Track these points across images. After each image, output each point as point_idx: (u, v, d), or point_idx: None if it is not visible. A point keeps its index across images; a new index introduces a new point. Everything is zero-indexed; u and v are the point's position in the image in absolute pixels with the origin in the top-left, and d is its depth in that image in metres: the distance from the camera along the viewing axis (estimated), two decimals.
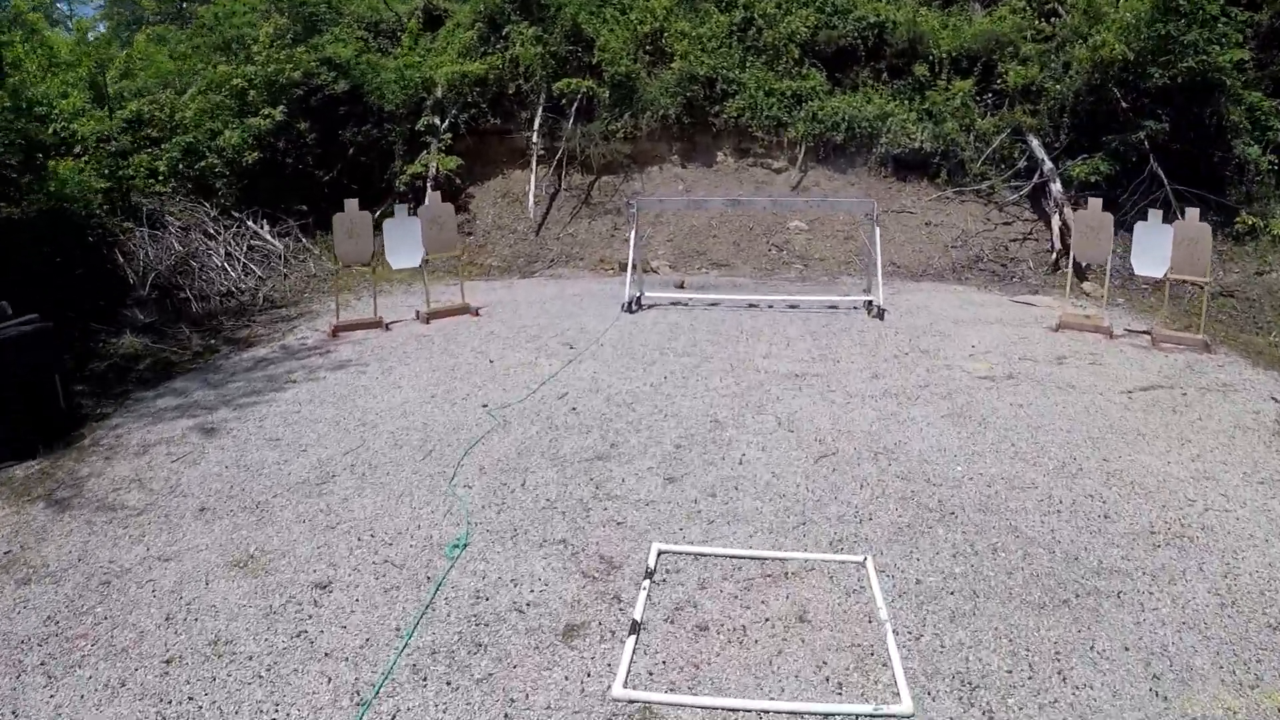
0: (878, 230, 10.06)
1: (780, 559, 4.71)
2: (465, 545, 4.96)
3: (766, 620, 4.17)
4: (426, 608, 4.39)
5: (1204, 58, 11.74)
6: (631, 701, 3.63)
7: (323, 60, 13.27)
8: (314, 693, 3.78)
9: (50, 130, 11.50)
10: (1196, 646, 3.97)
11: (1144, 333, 9.18)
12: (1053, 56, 13.32)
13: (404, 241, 9.81)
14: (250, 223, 12.49)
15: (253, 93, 12.87)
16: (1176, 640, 4.02)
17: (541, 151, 13.99)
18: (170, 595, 4.65)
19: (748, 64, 14.17)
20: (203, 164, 12.43)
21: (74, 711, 3.73)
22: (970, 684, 3.72)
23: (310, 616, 4.40)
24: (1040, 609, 4.28)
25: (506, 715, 3.59)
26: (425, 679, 3.84)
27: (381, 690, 3.77)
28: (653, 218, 13.09)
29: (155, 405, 7.65)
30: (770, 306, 10.23)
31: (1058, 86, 12.92)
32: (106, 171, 11.42)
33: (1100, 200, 9.63)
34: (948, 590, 4.43)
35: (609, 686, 3.72)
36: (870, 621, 4.15)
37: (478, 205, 14.07)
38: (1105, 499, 5.44)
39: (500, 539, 5.02)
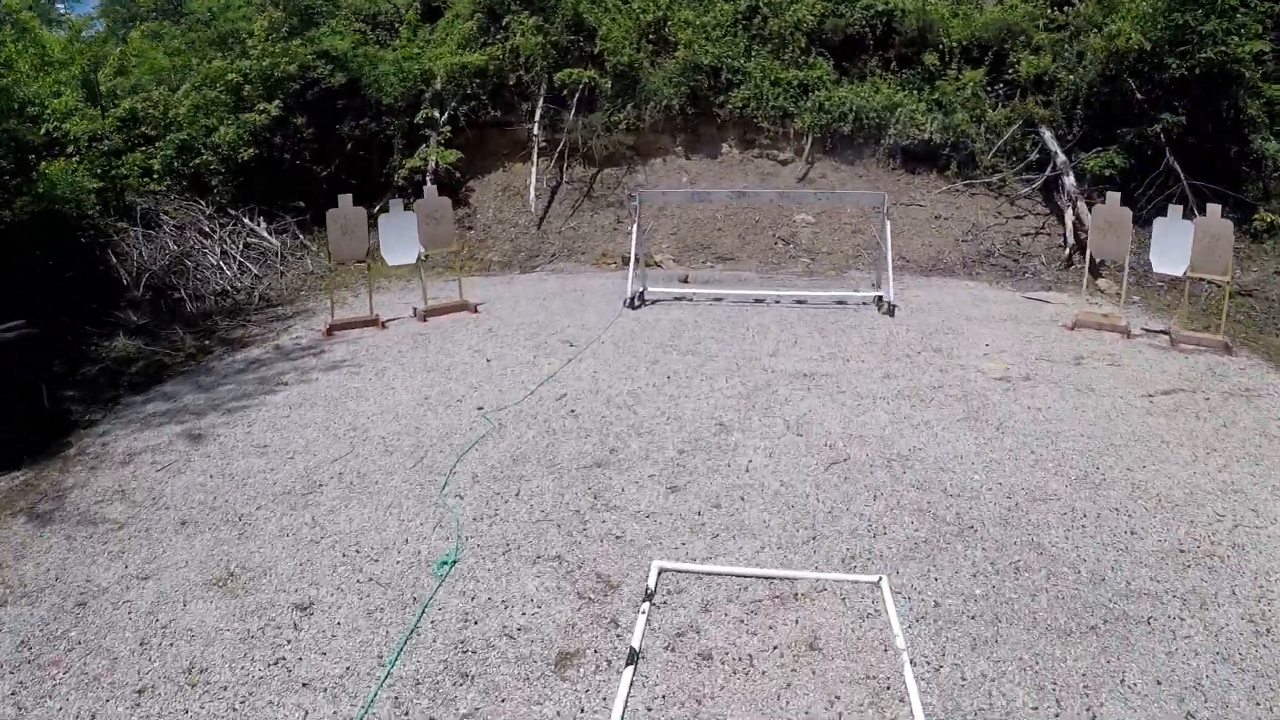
0: (888, 224, 9.71)
1: (789, 578, 4.40)
2: (454, 562, 4.66)
3: (775, 648, 3.86)
4: (411, 632, 4.11)
5: (1222, 49, 11.34)
6: None
7: (319, 53, 12.93)
8: None
9: (42, 130, 11.22)
10: (1231, 680, 3.69)
11: (1162, 332, 8.84)
12: (1066, 46, 12.91)
13: (400, 237, 9.50)
14: (247, 220, 12.19)
15: (248, 88, 12.55)
16: (1210, 673, 3.74)
17: (543, 144, 13.65)
18: (146, 618, 4.40)
19: (753, 53, 13.78)
20: (198, 161, 12.12)
21: None
22: None
23: (289, 642, 4.13)
24: (1066, 636, 3.97)
25: None
26: (407, 713, 3.56)
27: None
28: (656, 210, 12.74)
29: (144, 411, 7.39)
30: (777, 302, 9.89)
31: (1071, 77, 12.51)
32: (99, 171, 11.11)
33: (1119, 195, 9.28)
34: (968, 614, 4.12)
35: None
36: (886, 650, 3.84)
37: (478, 199, 13.74)
38: (1131, 513, 5.13)
39: (491, 555, 4.72)
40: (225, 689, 3.78)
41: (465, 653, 3.93)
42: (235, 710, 3.64)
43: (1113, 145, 12.00)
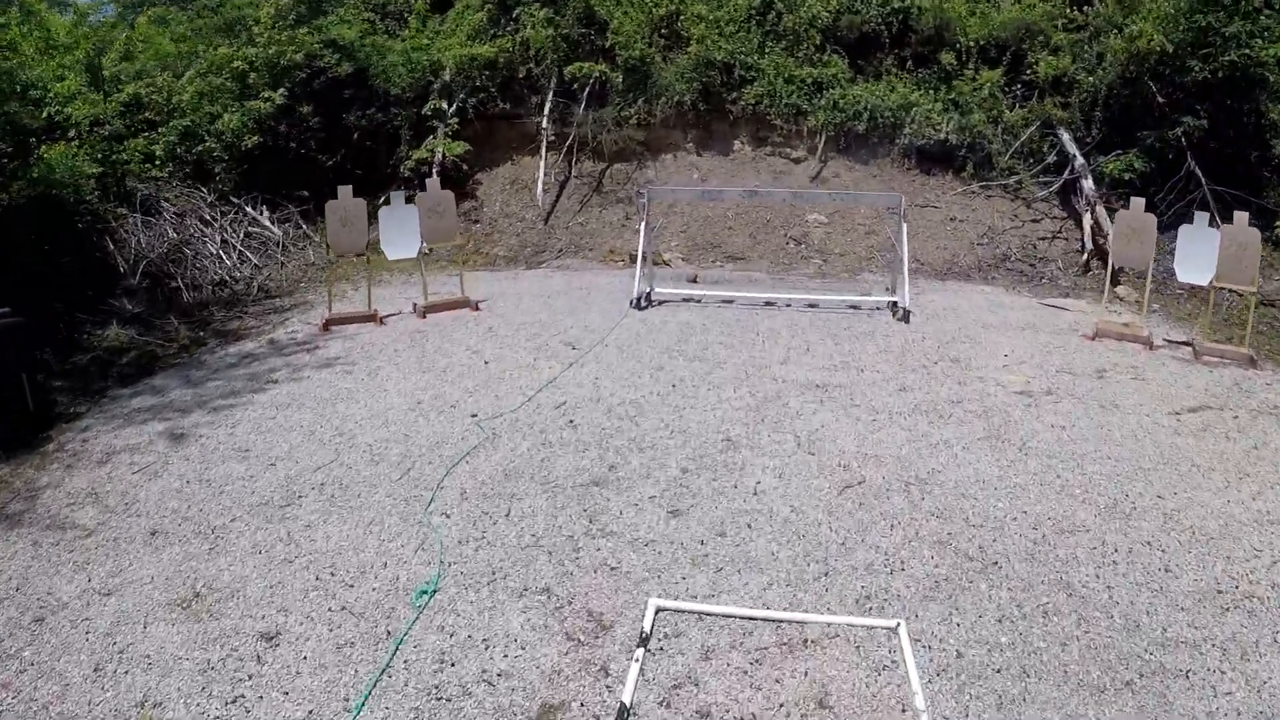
0: (904, 227, 9.17)
1: (799, 621, 3.91)
2: (434, 591, 4.19)
3: (781, 706, 3.39)
4: (382, 673, 3.65)
5: (1246, 52, 10.81)
6: None
7: (326, 42, 12.41)
8: None
9: (44, 114, 10.79)
10: None
11: (1185, 344, 8.32)
12: (1086, 47, 12.36)
13: (401, 231, 9.00)
14: (249, 209, 11.72)
15: (253, 75, 12.05)
16: None
17: (552, 138, 13.10)
18: (104, 639, 3.99)
19: (767, 49, 13.22)
20: (201, 148, 11.64)
21: None
22: None
23: (251, 677, 3.69)
24: (1100, 694, 3.51)
25: None
26: None
27: None
28: (666, 208, 12.20)
29: (129, 405, 6.98)
30: (788, 305, 9.34)
31: (1090, 78, 11.96)
32: (99, 156, 10.67)
33: (1143, 200, 8.75)
34: (993, 667, 3.64)
35: None
36: (904, 711, 3.36)
37: (485, 192, 13.22)
38: (1164, 547, 4.65)
39: (475, 584, 4.24)
40: None
41: (439, 700, 3.47)
42: None
43: (1132, 149, 11.45)
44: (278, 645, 3.88)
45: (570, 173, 13.23)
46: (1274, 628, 3.95)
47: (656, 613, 3.94)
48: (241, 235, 11.27)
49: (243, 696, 3.56)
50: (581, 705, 3.40)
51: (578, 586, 4.18)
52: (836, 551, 4.48)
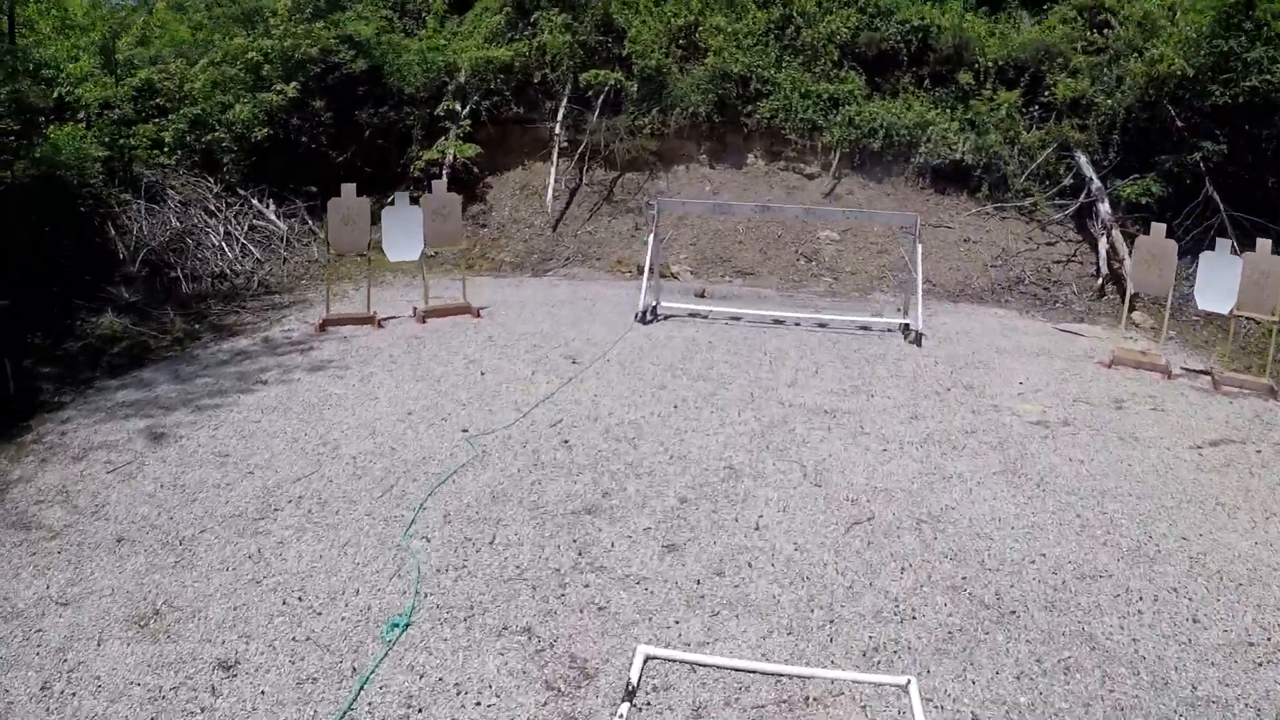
0: (919, 248, 8.74)
1: (801, 676, 3.49)
2: (407, 626, 3.79)
3: None
4: (343, 716, 3.24)
5: (1267, 77, 10.37)
6: None
7: (342, 38, 12.04)
8: None
9: (54, 94, 10.47)
10: None
11: (1204, 373, 7.93)
12: (1105, 70, 11.93)
13: (404, 232, 8.60)
14: (255, 201, 11.35)
15: (267, 67, 11.69)
16: None
17: (564, 144, 12.70)
18: (55, 655, 3.64)
19: (784, 63, 12.81)
20: (210, 137, 11.29)
21: None
22: None
23: (203, 710, 3.34)
24: None
25: None
26: None
27: None
28: (676, 220, 11.78)
29: (114, 398, 6.66)
30: (797, 324, 8.89)
31: (1109, 101, 11.54)
32: (107, 140, 10.34)
33: (1163, 226, 8.34)
34: None
35: None
36: None
37: (495, 196, 12.83)
38: (1191, 594, 4.25)
39: (451, 620, 3.84)
40: None
41: None
42: None
43: (1150, 173, 11.00)
44: (235, 676, 3.50)
45: (581, 180, 12.84)
46: None
47: (645, 661, 3.52)
48: (245, 228, 10.92)
49: None
50: None
51: (561, 628, 3.77)
52: (843, 596, 4.06)
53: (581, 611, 3.88)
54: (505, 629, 3.75)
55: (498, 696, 3.35)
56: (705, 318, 9.07)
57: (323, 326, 8.33)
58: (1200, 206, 10.68)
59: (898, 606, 4.00)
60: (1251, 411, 6.97)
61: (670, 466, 5.43)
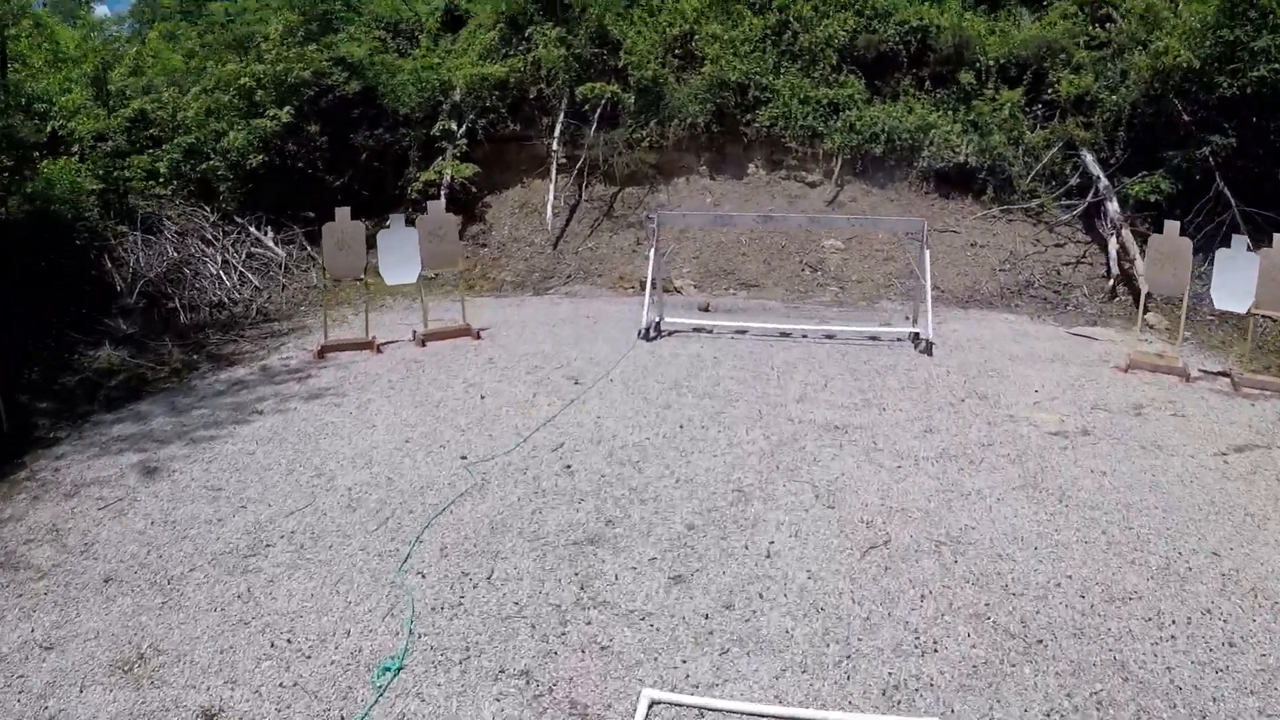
0: (927, 254, 8.51)
1: None
2: (399, 669, 3.58)
3: None
4: None
5: (1275, 66, 10.12)
6: None
7: (335, 60, 11.95)
8: None
9: (48, 128, 10.38)
10: None
11: (1222, 374, 7.69)
12: (1108, 65, 11.69)
13: (400, 255, 8.43)
14: (253, 229, 11.22)
15: (260, 93, 11.59)
16: None
17: (562, 160, 12.53)
18: (36, 702, 3.51)
19: (782, 70, 12.65)
20: (205, 166, 11.19)
21: None
22: None
23: None
24: None
25: None
26: None
27: None
28: (677, 233, 11.59)
29: (109, 433, 6.53)
30: (804, 336, 8.67)
31: (1113, 97, 11.31)
32: (101, 172, 10.24)
33: (1176, 224, 8.08)
34: None
35: None
36: None
37: (494, 216, 12.66)
38: (1226, 615, 4.00)
39: (445, 663, 3.63)
40: None
41: None
42: None
43: (1158, 169, 10.74)
44: None
45: (581, 196, 12.67)
46: None
47: (650, 706, 3.31)
48: (243, 256, 10.80)
49: None
50: None
51: (561, 670, 3.55)
52: (860, 628, 3.83)
53: (583, 652, 3.66)
54: (502, 672, 3.54)
55: None
56: (710, 332, 8.86)
57: (321, 353, 8.17)
58: (1211, 202, 10.43)
59: (918, 638, 3.77)
60: (1274, 414, 6.73)
61: (676, 490, 5.21)
